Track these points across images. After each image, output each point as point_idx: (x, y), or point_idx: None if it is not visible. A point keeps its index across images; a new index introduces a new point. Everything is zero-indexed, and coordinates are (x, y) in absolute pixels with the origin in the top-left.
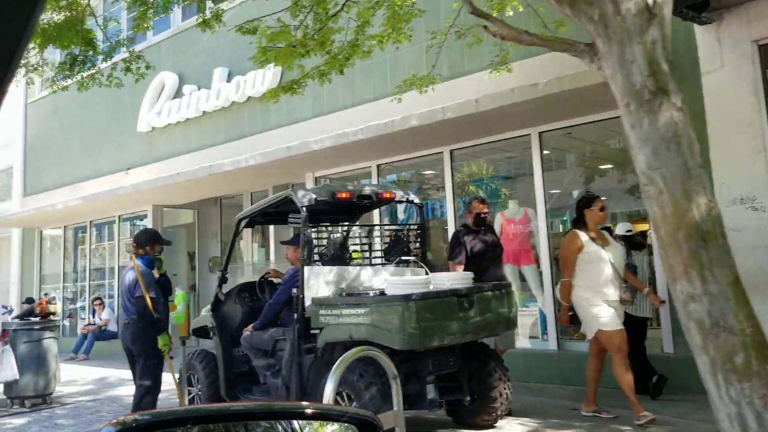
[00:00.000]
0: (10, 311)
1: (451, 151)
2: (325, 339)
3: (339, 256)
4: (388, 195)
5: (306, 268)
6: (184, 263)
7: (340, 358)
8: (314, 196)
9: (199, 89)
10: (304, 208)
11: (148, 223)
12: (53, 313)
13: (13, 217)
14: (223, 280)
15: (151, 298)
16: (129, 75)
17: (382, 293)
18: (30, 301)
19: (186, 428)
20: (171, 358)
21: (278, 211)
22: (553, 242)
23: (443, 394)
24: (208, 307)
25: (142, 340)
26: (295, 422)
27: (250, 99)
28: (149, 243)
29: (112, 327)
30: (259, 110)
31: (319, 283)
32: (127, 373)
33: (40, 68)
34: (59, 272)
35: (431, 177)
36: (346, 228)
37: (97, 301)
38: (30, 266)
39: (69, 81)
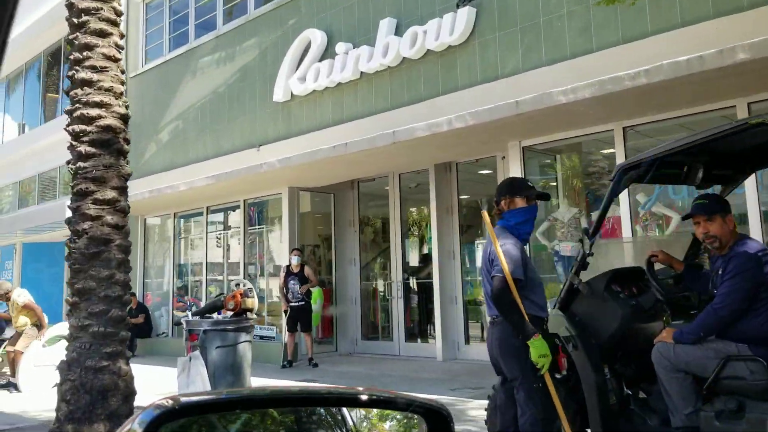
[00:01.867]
0: (190, 307)
1: None
2: None
3: None
4: None
5: None
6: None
7: None
8: None
9: (355, 47)
10: None
11: (282, 208)
12: (250, 309)
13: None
14: (582, 265)
15: (516, 280)
16: (257, 38)
17: None
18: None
19: (233, 414)
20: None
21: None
22: None
23: None
24: (554, 305)
25: (510, 350)
26: (354, 410)
27: (429, 54)
28: (514, 192)
29: None
30: (443, 67)
31: None
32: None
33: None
34: (163, 265)
35: None
36: None
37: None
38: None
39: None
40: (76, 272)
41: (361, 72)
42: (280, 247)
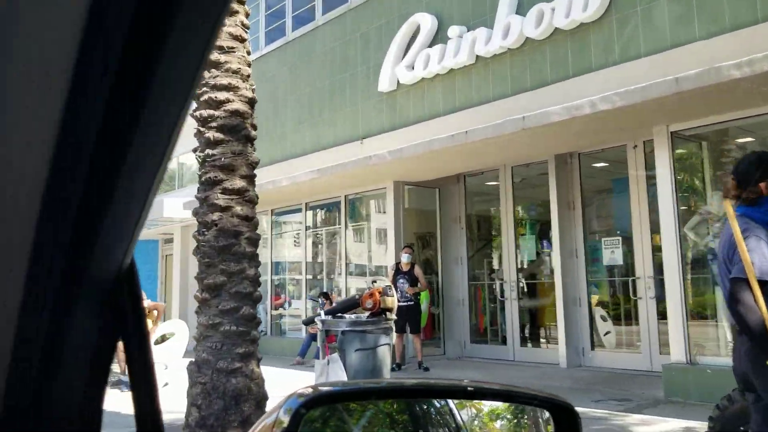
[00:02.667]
0: (322, 305)
1: None
2: None
3: None
4: None
5: None
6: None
7: None
8: None
9: (469, 30)
10: None
11: (387, 203)
12: (390, 309)
13: None
14: None
15: (763, 283)
16: (359, 26)
17: None
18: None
19: (369, 402)
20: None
21: None
22: None
23: None
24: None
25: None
26: (466, 408)
27: (557, 33)
28: (756, 173)
29: None
30: (573, 46)
31: None
32: None
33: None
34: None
35: None
36: None
37: (323, 297)
38: None
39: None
40: (207, 266)
41: (477, 56)
42: (383, 244)
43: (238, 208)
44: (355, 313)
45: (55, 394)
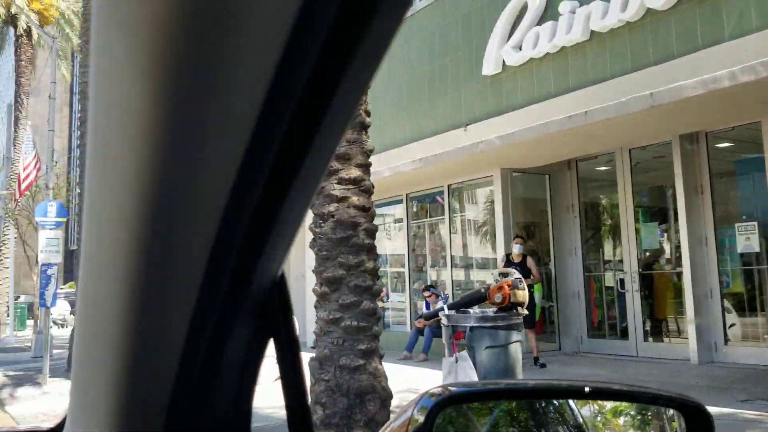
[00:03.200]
0: (446, 299)
1: None
2: None
3: None
4: None
5: None
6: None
7: None
8: None
9: (582, 4)
10: None
11: (494, 192)
12: (521, 303)
13: None
14: None
15: None
16: (460, 9)
17: None
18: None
19: (499, 403)
20: None
21: None
22: None
23: None
24: None
25: None
26: (587, 405)
27: (683, 2)
28: None
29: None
30: (703, 16)
31: None
32: None
33: None
34: None
35: None
36: None
37: (428, 293)
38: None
39: None
40: (324, 259)
41: (592, 32)
42: (489, 235)
43: (354, 198)
44: (481, 307)
45: (214, 391)
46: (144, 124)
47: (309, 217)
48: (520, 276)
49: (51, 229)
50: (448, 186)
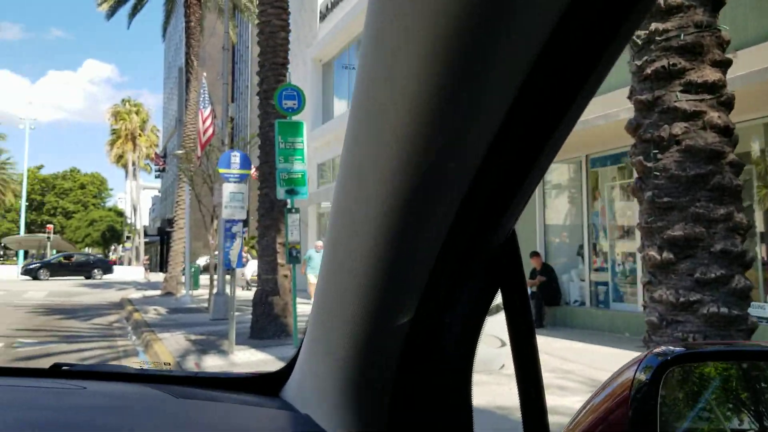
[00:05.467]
0: None
1: None
2: None
3: None
4: None
5: None
6: None
7: None
8: None
9: None
10: None
11: None
12: None
13: None
14: None
15: None
16: None
17: None
18: None
19: (728, 364)
20: None
21: None
22: None
23: None
24: None
25: None
26: None
27: None
28: None
29: None
30: None
31: None
32: None
33: None
34: (569, 220)
35: None
36: None
37: None
38: (530, 216)
39: None
40: (664, 210)
41: None
42: None
43: (713, 115)
44: None
45: (440, 344)
46: (411, 110)
47: None
48: None
49: (234, 182)
50: None
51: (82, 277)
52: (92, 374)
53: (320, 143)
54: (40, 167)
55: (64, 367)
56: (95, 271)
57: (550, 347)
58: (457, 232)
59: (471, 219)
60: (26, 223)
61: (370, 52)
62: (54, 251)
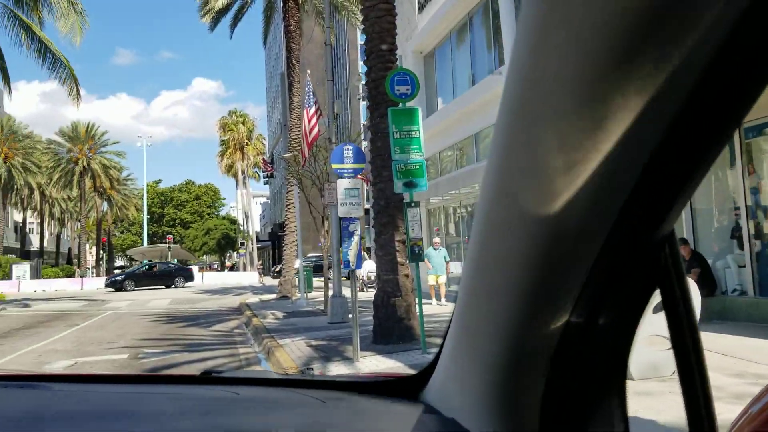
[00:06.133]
0: None
1: None
2: None
3: None
4: None
5: None
6: None
7: None
8: None
9: None
10: None
11: None
12: None
13: None
14: None
15: None
16: None
17: None
18: None
19: None
20: None
21: None
22: None
23: None
24: None
25: None
26: None
27: None
28: None
29: None
30: None
31: None
32: None
33: None
34: (720, 199)
35: None
36: None
37: None
38: None
39: None
40: None
41: None
42: None
43: None
44: None
45: (591, 353)
46: (582, 114)
47: None
48: None
49: (349, 177)
50: None
51: (163, 287)
52: (239, 380)
53: (425, 137)
54: (158, 182)
55: (213, 374)
56: (177, 279)
57: (715, 345)
58: (621, 228)
59: (635, 215)
60: (148, 235)
61: (526, 54)
62: (175, 260)
